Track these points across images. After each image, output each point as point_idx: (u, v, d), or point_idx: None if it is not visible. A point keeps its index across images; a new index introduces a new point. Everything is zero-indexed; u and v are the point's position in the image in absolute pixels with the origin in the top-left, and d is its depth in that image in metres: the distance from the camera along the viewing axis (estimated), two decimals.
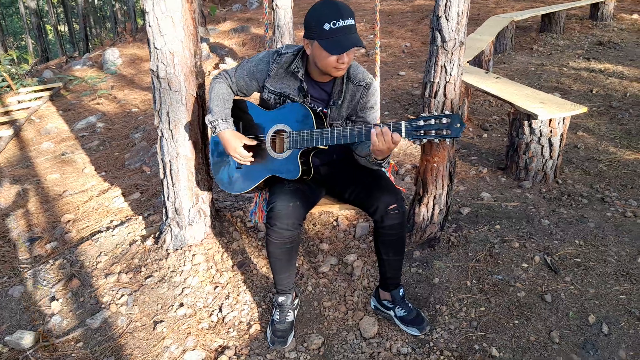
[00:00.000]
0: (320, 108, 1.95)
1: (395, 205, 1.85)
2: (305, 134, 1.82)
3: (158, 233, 2.64)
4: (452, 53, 2.19)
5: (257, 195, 2.22)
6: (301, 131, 1.83)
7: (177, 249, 2.51)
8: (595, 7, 7.80)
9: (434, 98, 2.28)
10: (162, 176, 2.47)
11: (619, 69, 5.61)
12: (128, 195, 3.45)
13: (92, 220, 3.15)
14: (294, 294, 2.13)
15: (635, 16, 7.93)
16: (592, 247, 2.55)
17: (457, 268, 2.44)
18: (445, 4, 2.12)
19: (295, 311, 2.14)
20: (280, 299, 2.04)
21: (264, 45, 8.28)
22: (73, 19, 19.34)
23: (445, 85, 2.25)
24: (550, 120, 3.02)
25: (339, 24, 1.67)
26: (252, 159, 1.95)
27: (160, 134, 2.35)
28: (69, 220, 3.19)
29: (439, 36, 2.18)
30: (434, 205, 2.51)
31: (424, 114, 1.53)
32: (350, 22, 1.70)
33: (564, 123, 3.07)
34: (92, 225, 3.05)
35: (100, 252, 2.64)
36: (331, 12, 1.68)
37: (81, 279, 2.44)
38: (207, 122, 1.94)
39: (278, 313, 2.04)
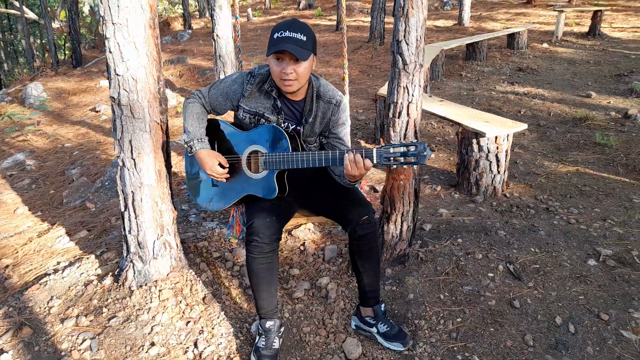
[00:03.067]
0: (294, 126, 2.03)
1: (366, 216, 1.95)
2: (280, 156, 1.88)
3: (118, 270, 2.46)
4: (413, 75, 2.30)
5: (234, 209, 2.27)
6: (277, 153, 1.89)
7: (141, 286, 2.36)
8: (511, 37, 8.58)
9: (398, 118, 2.37)
10: (122, 208, 2.32)
11: (540, 92, 6.17)
12: (74, 234, 3.20)
13: (35, 263, 2.87)
14: (279, 321, 2.07)
15: (545, 45, 8.82)
16: (547, 254, 2.72)
17: (429, 282, 2.50)
18: (405, 29, 2.24)
19: (281, 339, 2.07)
20: (268, 324, 1.98)
21: (203, 76, 8.22)
22: None
23: (408, 106, 2.35)
24: (496, 137, 3.24)
25: (284, 34, 1.77)
26: (229, 176, 2.03)
27: (121, 164, 2.23)
28: (7, 265, 2.88)
29: (400, 59, 2.28)
30: (402, 222, 2.57)
31: (393, 142, 1.66)
32: (298, 35, 1.77)
33: (508, 140, 3.31)
34: (37, 269, 2.78)
35: (52, 296, 2.41)
36: (283, 25, 1.81)
37: (33, 327, 2.20)
38: (182, 142, 2.02)
39: (264, 339, 1.97)
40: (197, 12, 18.18)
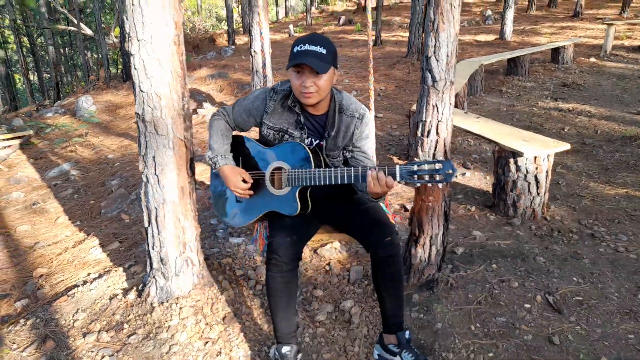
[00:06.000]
0: (317, 141, 2.00)
1: (389, 238, 1.88)
2: (303, 172, 1.86)
3: (141, 285, 2.46)
4: (443, 92, 2.20)
5: (258, 224, 2.25)
6: (300, 169, 1.87)
7: (162, 302, 2.34)
8: (556, 51, 8.25)
9: (427, 137, 2.27)
10: (146, 224, 2.33)
11: (586, 108, 5.85)
12: (106, 246, 3.26)
13: (67, 273, 2.93)
14: (297, 347, 2.00)
15: (592, 59, 8.42)
16: (592, 284, 2.51)
17: (458, 311, 2.35)
18: (435, 44, 2.14)
19: None
20: (284, 349, 1.92)
21: (242, 90, 8.36)
22: (42, 68, 19.16)
23: (437, 125, 2.24)
24: (535, 157, 3.06)
25: (304, 47, 1.76)
26: (252, 193, 2.01)
27: (145, 179, 2.24)
28: (41, 275, 2.96)
29: (430, 76, 2.19)
30: (430, 246, 2.44)
31: (417, 159, 1.58)
32: (318, 48, 1.75)
33: (548, 160, 3.12)
34: (68, 280, 2.84)
35: (78, 309, 2.43)
36: (304, 39, 1.79)
37: (56, 340, 2.22)
38: (207, 158, 2.02)
39: None
40: (241, 29, 18.66)
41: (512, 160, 3.13)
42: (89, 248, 3.26)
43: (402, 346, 1.98)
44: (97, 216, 4.04)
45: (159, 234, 2.28)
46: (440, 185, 1.59)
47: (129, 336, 2.20)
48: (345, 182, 1.77)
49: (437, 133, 2.24)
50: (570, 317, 2.27)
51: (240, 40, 15.90)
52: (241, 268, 2.73)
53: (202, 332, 2.23)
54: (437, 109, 2.20)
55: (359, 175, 1.72)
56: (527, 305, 2.36)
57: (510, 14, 10.54)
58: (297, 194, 1.90)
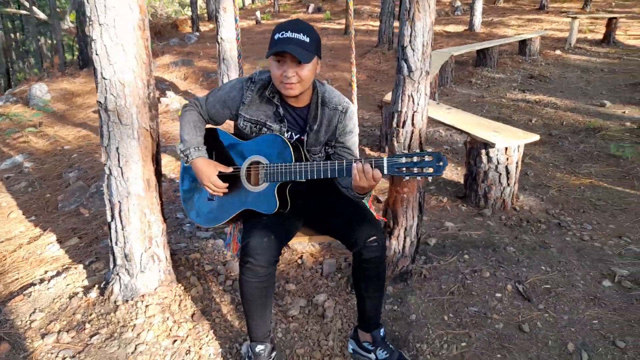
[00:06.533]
0: (298, 135, 1.87)
1: (374, 237, 1.77)
2: (283, 167, 1.72)
3: (104, 283, 2.35)
4: (418, 83, 2.17)
5: (232, 225, 2.08)
6: (279, 164, 1.74)
7: (127, 300, 2.24)
8: (523, 43, 8.41)
9: (402, 128, 2.23)
10: (109, 219, 2.21)
11: (552, 100, 5.99)
12: (64, 242, 3.09)
13: (22, 272, 2.76)
14: (271, 345, 1.93)
15: (558, 52, 8.63)
16: (559, 273, 2.56)
17: (432, 302, 2.35)
18: (411, 34, 2.10)
19: None
20: (258, 348, 1.85)
21: (208, 79, 8.14)
22: None
23: (413, 115, 2.21)
24: (506, 148, 3.09)
25: (286, 34, 1.63)
26: (226, 190, 1.84)
27: (108, 172, 2.12)
28: None
29: (405, 66, 2.15)
30: (405, 238, 2.43)
31: (405, 151, 1.49)
32: (301, 36, 1.63)
33: (518, 151, 3.15)
34: (23, 278, 2.68)
35: (35, 309, 2.30)
36: (286, 25, 1.67)
37: (12, 342, 2.08)
38: (178, 151, 1.85)
39: None
40: (205, 15, 18.20)
41: (483, 151, 3.15)
42: (46, 244, 3.09)
43: (377, 344, 1.95)
44: (54, 210, 3.84)
45: (123, 229, 2.17)
46: (430, 178, 1.51)
47: (91, 336, 2.09)
48: (329, 176, 1.65)
49: (413, 124, 2.21)
50: (539, 305, 2.31)
51: (205, 26, 15.50)
52: (210, 263, 2.64)
53: (170, 330, 2.14)
54: (413, 99, 2.17)
55: (343, 169, 1.61)
56: (498, 295, 2.39)
57: (479, 6, 10.67)
58: (275, 190, 1.76)
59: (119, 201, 2.13)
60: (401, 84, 2.19)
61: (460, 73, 7.60)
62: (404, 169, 1.49)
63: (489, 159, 3.15)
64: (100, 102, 2.01)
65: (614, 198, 3.46)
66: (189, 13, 17.16)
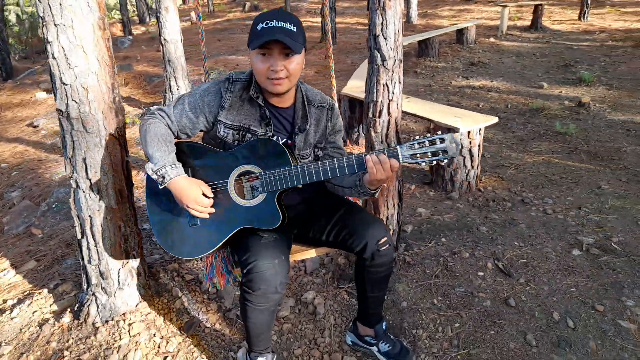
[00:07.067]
0: (285, 139, 1.69)
1: (385, 238, 1.66)
2: (283, 172, 1.54)
3: (77, 305, 2.17)
4: (392, 71, 2.18)
5: (212, 256, 1.84)
6: (277, 170, 1.55)
7: (107, 321, 2.08)
8: (460, 33, 8.74)
9: (379, 117, 2.24)
10: (79, 236, 2.04)
11: (494, 85, 6.27)
12: (20, 266, 2.84)
13: None
14: (272, 355, 1.85)
15: (491, 39, 9.05)
16: (531, 247, 2.68)
17: (420, 288, 2.38)
18: (382, 22, 2.10)
19: None
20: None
21: (151, 83, 7.80)
22: None
23: (388, 104, 2.22)
24: (469, 132, 3.19)
25: (271, 24, 1.46)
26: (212, 210, 1.59)
27: (74, 185, 1.95)
28: None
29: (379, 55, 2.15)
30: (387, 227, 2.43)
31: (417, 137, 1.44)
32: (288, 25, 1.47)
33: (480, 134, 3.26)
34: None
35: (0, 342, 2.08)
36: (269, 14, 1.50)
37: None
38: (149, 171, 1.53)
39: None
40: (136, 18, 17.43)
41: None
42: None
43: (379, 337, 1.94)
44: (0, 234, 3.52)
45: (95, 245, 2.02)
46: (443, 163, 1.46)
47: None
48: (338, 174, 1.50)
49: (389, 112, 2.22)
50: (519, 280, 2.40)
51: (137, 29, 14.86)
52: (190, 272, 2.52)
53: (159, 347, 2.02)
54: (388, 88, 2.17)
55: (354, 165, 1.47)
56: (481, 273, 2.46)
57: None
58: (275, 200, 1.57)
59: (89, 216, 1.97)
60: (375, 74, 2.19)
61: (404, 64, 7.76)
62: (418, 155, 1.43)
63: None
64: (60, 110, 1.85)
65: (567, 172, 3.67)
66: (117, 16, 16.36)
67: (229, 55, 9.36)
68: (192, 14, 16.03)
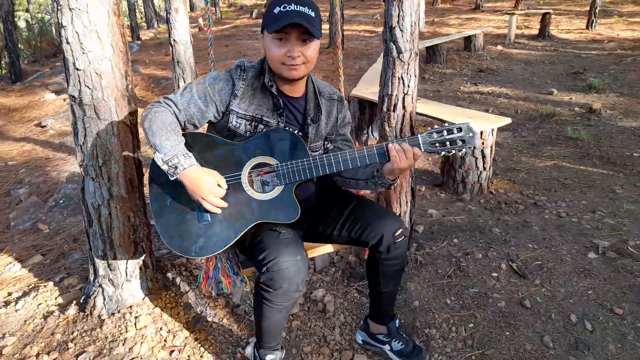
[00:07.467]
0: (296, 131, 1.62)
1: (400, 229, 1.63)
2: (302, 163, 1.49)
3: (83, 298, 2.13)
4: (408, 64, 2.15)
5: (215, 257, 1.75)
6: (295, 161, 1.50)
7: (113, 313, 2.04)
8: (468, 40, 8.73)
9: (394, 111, 2.20)
10: (87, 225, 2.01)
11: (503, 91, 6.24)
12: (26, 260, 2.81)
13: None
14: (282, 352, 1.80)
15: (499, 47, 9.04)
16: (546, 249, 2.62)
17: (432, 287, 2.33)
18: (399, 14, 2.08)
19: None
20: (269, 357, 1.72)
21: (159, 85, 7.82)
22: None
23: (403, 98, 2.18)
24: (482, 132, 3.15)
25: (289, 7, 1.39)
26: (225, 204, 1.49)
27: (84, 173, 1.92)
28: None
29: (394, 47, 2.12)
30: None
31: (436, 127, 1.44)
32: (306, 10, 1.40)
33: (492, 134, 3.22)
34: None
35: (4, 334, 2.04)
36: None
37: None
38: (159, 162, 1.42)
39: None
40: (144, 24, 17.56)
41: None
42: (4, 265, 2.78)
43: (392, 335, 1.89)
44: (6, 230, 3.50)
45: (104, 235, 1.98)
46: (462, 151, 1.45)
47: (77, 356, 1.88)
48: (359, 164, 1.47)
49: (404, 106, 2.18)
50: (535, 281, 2.34)
51: (145, 35, 14.95)
52: (198, 268, 2.48)
53: (165, 341, 1.97)
54: (403, 81, 2.14)
55: (375, 154, 1.44)
56: (495, 274, 2.40)
57: (421, 7, 10.99)
58: (293, 192, 1.52)
59: (99, 204, 1.94)
60: (390, 66, 2.16)
61: None
62: (437, 144, 1.43)
63: None
64: (72, 96, 1.82)
65: (580, 176, 3.62)
66: (126, 22, 16.50)
67: (236, 60, 9.39)
68: (200, 20, 16.13)
